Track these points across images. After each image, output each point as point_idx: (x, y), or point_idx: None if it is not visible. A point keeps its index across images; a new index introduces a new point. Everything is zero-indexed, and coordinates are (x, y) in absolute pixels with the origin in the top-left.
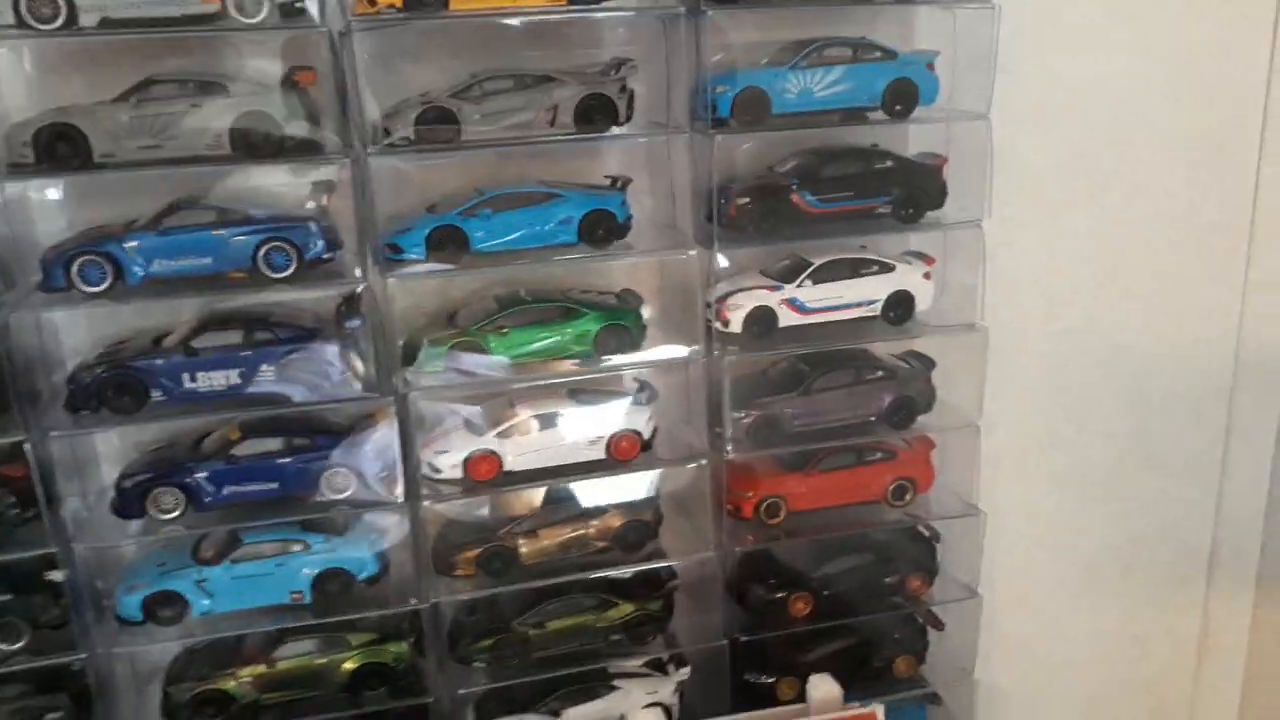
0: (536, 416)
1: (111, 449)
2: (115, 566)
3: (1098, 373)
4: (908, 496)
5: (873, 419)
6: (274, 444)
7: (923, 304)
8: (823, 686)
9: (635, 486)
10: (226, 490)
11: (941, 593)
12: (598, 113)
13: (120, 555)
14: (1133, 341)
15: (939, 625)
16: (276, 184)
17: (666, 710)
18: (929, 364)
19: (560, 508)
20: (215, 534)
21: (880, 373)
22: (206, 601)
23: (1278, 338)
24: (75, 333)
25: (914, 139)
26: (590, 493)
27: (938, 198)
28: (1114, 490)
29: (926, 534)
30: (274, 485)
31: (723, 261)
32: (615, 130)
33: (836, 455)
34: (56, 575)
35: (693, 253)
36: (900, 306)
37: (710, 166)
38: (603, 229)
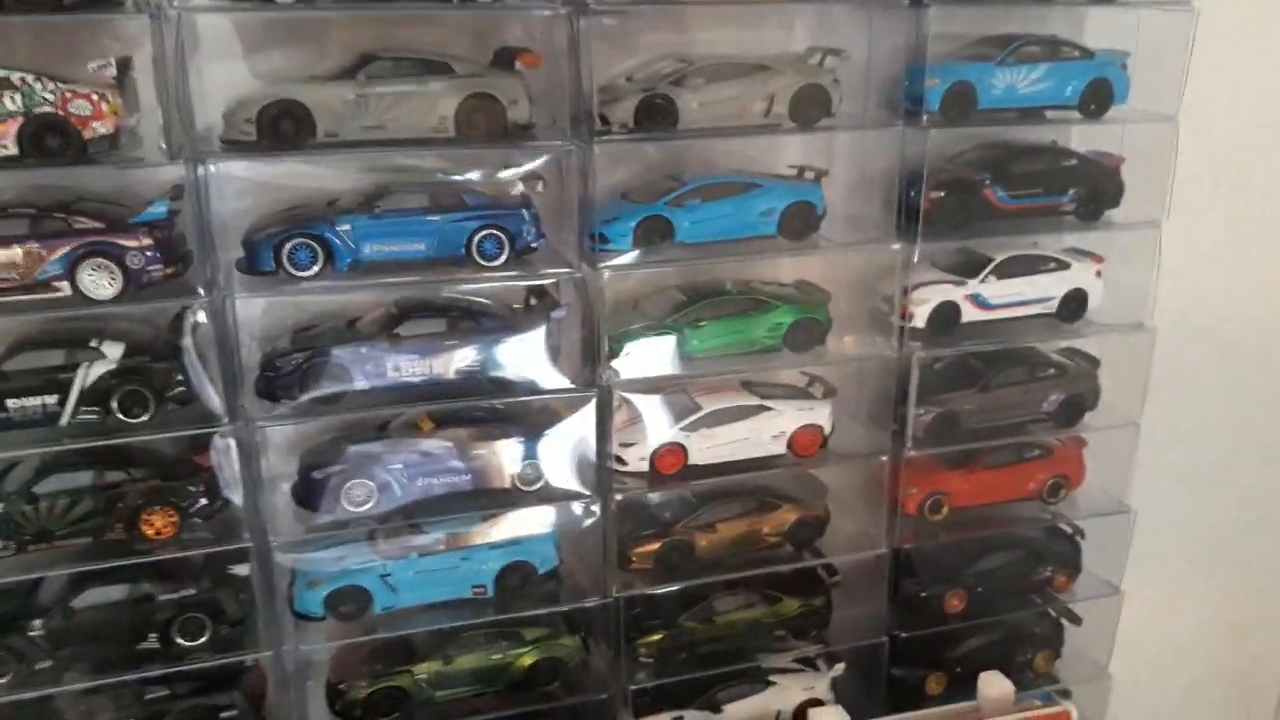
0: (722, 410)
1: (283, 437)
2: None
3: (1250, 373)
4: (1062, 493)
5: (1044, 416)
6: (468, 433)
7: (1094, 301)
8: (995, 684)
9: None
10: (419, 482)
11: (1082, 590)
12: (814, 102)
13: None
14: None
15: (1077, 621)
16: (483, 171)
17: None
18: (1095, 362)
19: (737, 501)
20: (399, 526)
21: (1052, 370)
22: (390, 596)
23: None
24: (253, 316)
25: (1080, 139)
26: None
27: (1116, 196)
28: (1242, 489)
29: (1069, 531)
30: (466, 478)
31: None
32: (827, 121)
33: (998, 453)
34: (242, 569)
35: (897, 246)
36: (1075, 304)
37: (920, 159)
38: (802, 220)
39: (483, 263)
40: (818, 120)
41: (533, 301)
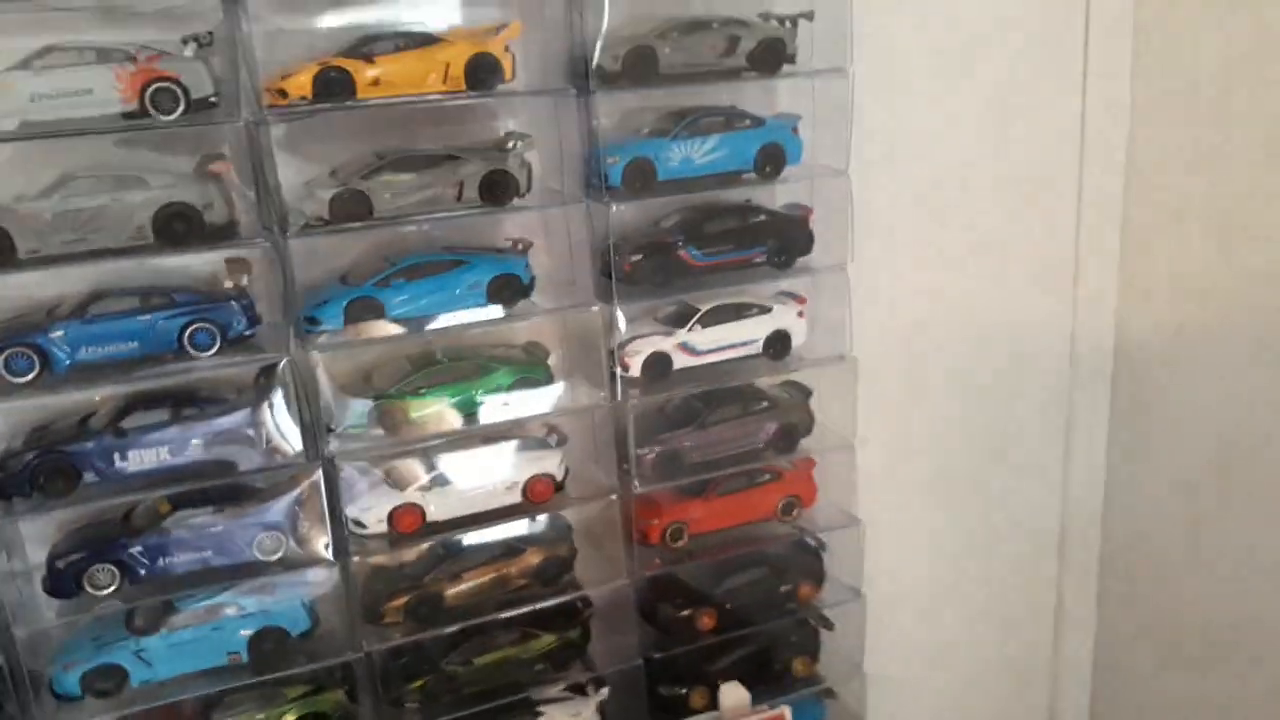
0: (453, 468)
1: (35, 530)
2: (47, 646)
3: (952, 387)
4: (795, 512)
5: (761, 445)
6: (204, 515)
7: (798, 339)
8: (732, 693)
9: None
10: (161, 563)
11: (830, 596)
12: (500, 186)
13: (52, 634)
14: (978, 356)
15: (829, 626)
16: (197, 264)
17: None
18: (807, 392)
19: (481, 551)
20: (149, 604)
21: (765, 403)
22: (146, 670)
23: (1100, 344)
24: None
25: (781, 193)
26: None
27: (806, 245)
28: (972, 490)
29: (813, 545)
30: (208, 554)
31: (621, 316)
32: (517, 202)
33: (730, 480)
34: None
35: (595, 308)
36: (779, 343)
37: (607, 230)
38: (509, 290)
39: (196, 354)
40: (507, 201)
41: (261, 381)
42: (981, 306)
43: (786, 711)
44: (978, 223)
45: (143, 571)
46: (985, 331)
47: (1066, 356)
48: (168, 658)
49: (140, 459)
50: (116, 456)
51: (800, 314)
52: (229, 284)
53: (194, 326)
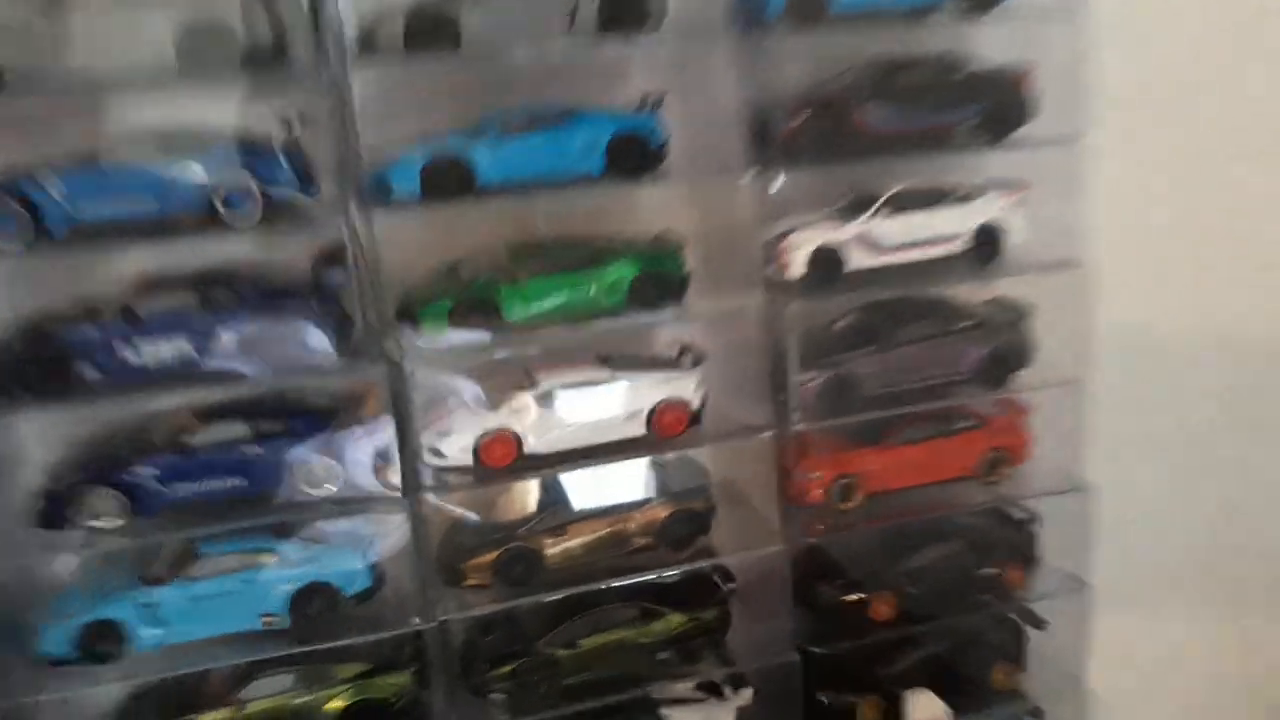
0: (562, 387)
1: (39, 446)
2: (35, 594)
3: (1207, 334)
4: (1003, 470)
5: (962, 376)
6: (239, 430)
7: (1014, 238)
8: (924, 705)
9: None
10: (180, 490)
11: (1043, 586)
12: (626, 11)
13: (47, 580)
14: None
15: (1040, 624)
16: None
17: None
18: (1023, 311)
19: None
20: (167, 546)
21: (968, 322)
22: (156, 630)
23: None
24: None
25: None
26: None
27: (1024, 113)
28: (1222, 463)
29: (1023, 516)
30: (241, 481)
31: (779, 190)
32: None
33: (918, 425)
34: None
35: (746, 179)
36: (989, 242)
37: (766, 78)
38: (635, 156)
39: (230, 219)
40: (635, 31)
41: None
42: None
43: None
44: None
45: (156, 501)
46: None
47: None
48: (185, 615)
49: (156, 352)
50: (125, 347)
51: (1017, 205)
52: (275, 136)
53: (230, 182)
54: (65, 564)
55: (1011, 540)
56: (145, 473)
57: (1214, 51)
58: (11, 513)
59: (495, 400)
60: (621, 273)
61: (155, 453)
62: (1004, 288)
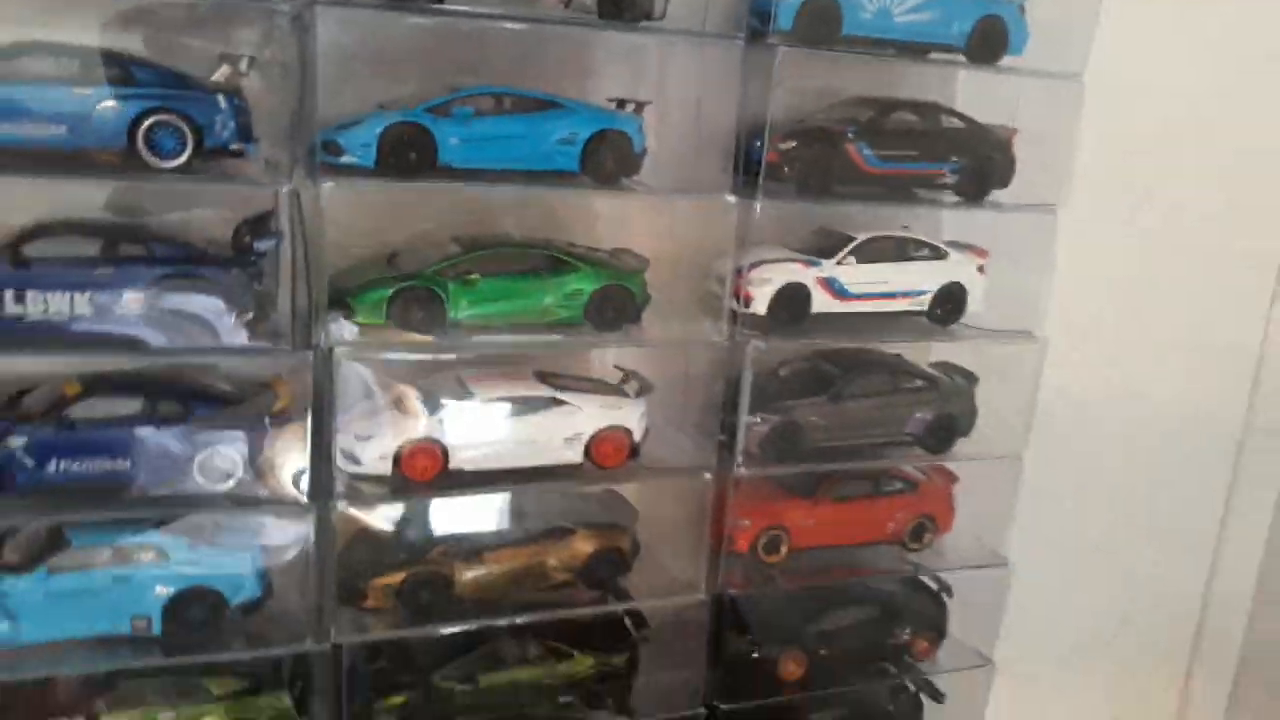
0: (497, 400)
1: None
2: None
3: (1117, 420)
4: (926, 537)
5: (908, 438)
6: (130, 406)
7: (974, 302)
8: None
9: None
10: (54, 467)
11: (946, 659)
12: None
13: None
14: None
15: (939, 697)
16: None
17: None
18: (972, 379)
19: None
20: (29, 529)
21: (920, 383)
22: (8, 626)
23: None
24: None
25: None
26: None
27: (1005, 173)
28: (1111, 556)
29: (937, 587)
30: (125, 464)
31: (754, 217)
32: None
33: (851, 482)
34: None
35: (731, 198)
36: (952, 301)
37: (763, 94)
38: (614, 158)
39: (153, 159)
40: (637, 19)
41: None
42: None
43: None
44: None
45: (24, 478)
46: (1163, 359)
47: (1241, 418)
48: (43, 610)
49: (44, 305)
50: (8, 295)
51: (981, 269)
52: (218, 77)
53: (154, 118)
54: None
55: (924, 610)
56: (14, 444)
57: (1182, 140)
58: None
59: (423, 407)
60: (581, 285)
61: (28, 422)
62: (953, 353)
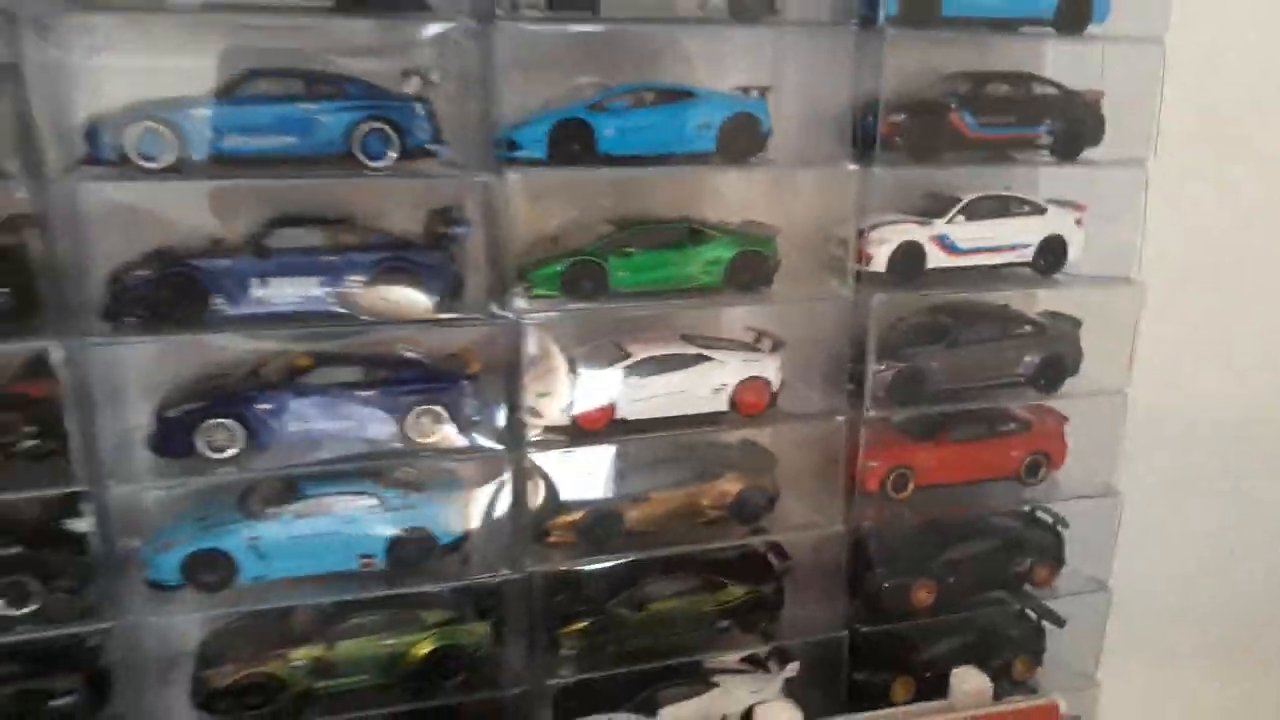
0: (653, 359)
1: (145, 378)
2: (147, 520)
3: (1217, 359)
4: (1041, 473)
5: (1020, 379)
6: (352, 374)
7: (1073, 253)
8: (970, 679)
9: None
10: (293, 427)
11: (1064, 585)
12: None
13: (152, 507)
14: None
15: (1059, 622)
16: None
17: None
18: (1076, 323)
19: (673, 466)
20: (270, 482)
21: (1029, 328)
22: (258, 564)
23: None
24: (109, 235)
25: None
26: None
27: (1096, 133)
28: (1218, 486)
29: (1051, 519)
30: (350, 424)
31: (870, 185)
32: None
33: (968, 424)
34: (79, 524)
35: (852, 166)
36: (1053, 252)
37: (877, 73)
38: (745, 139)
39: (367, 162)
40: (761, 16)
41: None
42: None
43: (1061, 702)
44: None
45: (268, 437)
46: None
47: None
48: (287, 551)
49: (283, 290)
50: (255, 282)
51: (1079, 221)
52: (409, 88)
53: (368, 126)
54: (172, 494)
55: (1042, 541)
56: (263, 408)
57: (1267, 96)
58: (123, 440)
59: (591, 367)
60: (720, 253)
61: (272, 389)
62: (1057, 301)
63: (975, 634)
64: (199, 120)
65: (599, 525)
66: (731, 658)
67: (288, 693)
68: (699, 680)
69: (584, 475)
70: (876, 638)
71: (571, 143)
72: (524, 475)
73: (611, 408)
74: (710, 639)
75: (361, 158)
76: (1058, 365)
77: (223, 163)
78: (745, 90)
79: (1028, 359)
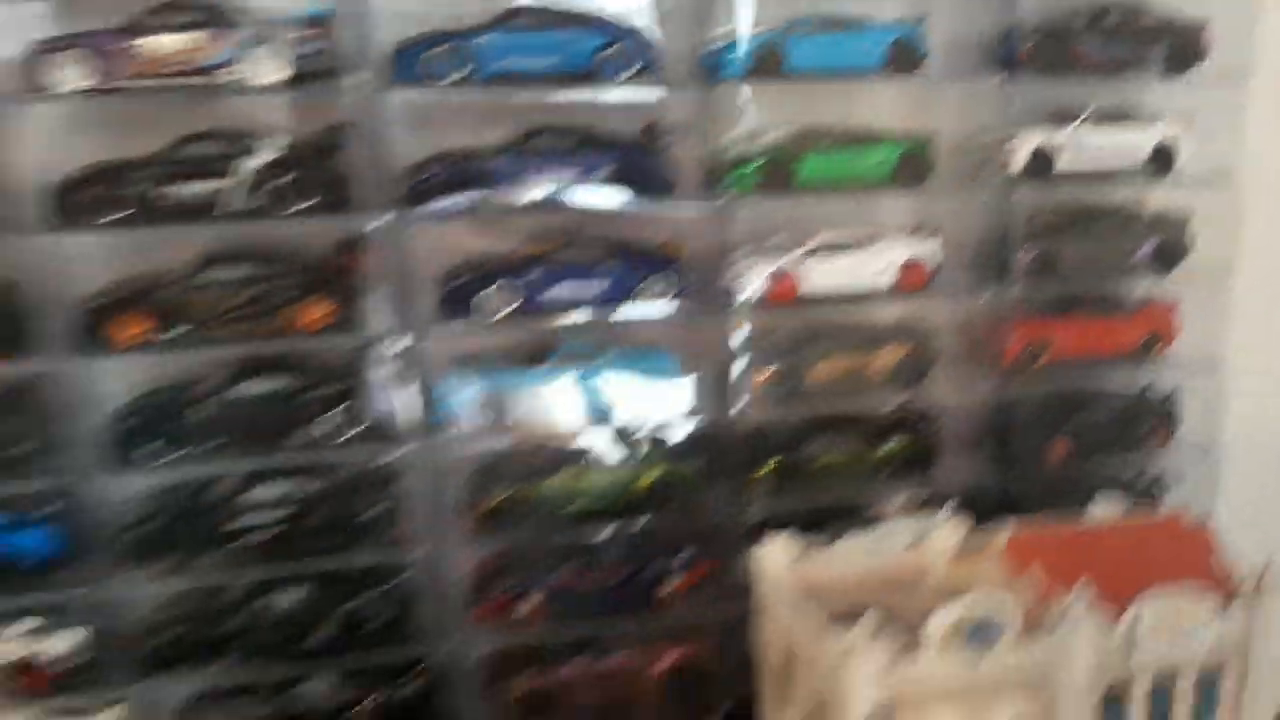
0: (829, 243)
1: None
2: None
3: None
4: (1157, 348)
5: (1138, 263)
6: (593, 255)
7: (1182, 158)
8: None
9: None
10: (554, 291)
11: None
12: None
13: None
14: None
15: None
16: None
17: None
18: (1185, 216)
19: (843, 334)
20: (527, 345)
21: (1145, 220)
22: None
23: None
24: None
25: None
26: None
27: (1201, 54)
28: None
29: (1163, 393)
30: (592, 292)
31: (1011, 98)
32: None
33: (1095, 303)
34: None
35: (995, 81)
36: (1163, 157)
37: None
38: (907, 59)
39: (606, 79)
40: None
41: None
42: None
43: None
44: None
45: (537, 300)
46: None
47: None
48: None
49: (540, 183)
50: (519, 175)
51: (1186, 132)
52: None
53: (608, 51)
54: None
55: (1159, 407)
56: (531, 276)
57: None
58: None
59: (779, 250)
60: (888, 154)
61: (535, 263)
62: (1168, 200)
63: (1106, 485)
64: (483, 44)
65: (788, 381)
66: (894, 506)
67: (540, 511)
68: (865, 521)
69: (773, 340)
70: (1021, 485)
71: (767, 62)
72: (729, 334)
73: (795, 284)
74: (874, 487)
75: (604, 75)
76: (1172, 250)
77: (500, 79)
78: (905, 20)
79: (1144, 245)
